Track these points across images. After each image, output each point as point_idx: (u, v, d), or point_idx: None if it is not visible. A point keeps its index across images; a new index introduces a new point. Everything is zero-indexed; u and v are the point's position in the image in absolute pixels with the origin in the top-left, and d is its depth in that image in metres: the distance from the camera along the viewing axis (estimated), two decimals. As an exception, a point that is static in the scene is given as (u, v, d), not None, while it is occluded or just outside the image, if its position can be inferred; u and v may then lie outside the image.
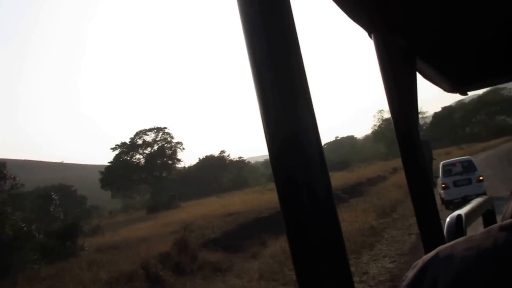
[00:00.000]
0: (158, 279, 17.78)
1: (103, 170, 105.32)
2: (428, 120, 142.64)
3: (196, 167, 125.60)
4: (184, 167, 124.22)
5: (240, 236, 24.93)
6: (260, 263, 18.24)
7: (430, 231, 1.97)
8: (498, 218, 1.13)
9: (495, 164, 43.52)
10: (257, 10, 0.87)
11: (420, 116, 2.24)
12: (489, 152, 71.41)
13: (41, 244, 26.42)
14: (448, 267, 0.97)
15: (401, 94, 1.96)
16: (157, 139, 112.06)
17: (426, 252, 1.89)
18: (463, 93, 3.05)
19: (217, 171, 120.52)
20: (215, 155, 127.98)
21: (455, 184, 24.46)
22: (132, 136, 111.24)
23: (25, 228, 27.20)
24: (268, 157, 0.87)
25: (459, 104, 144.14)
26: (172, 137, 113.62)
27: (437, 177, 25.13)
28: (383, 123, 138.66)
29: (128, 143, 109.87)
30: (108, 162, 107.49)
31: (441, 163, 26.58)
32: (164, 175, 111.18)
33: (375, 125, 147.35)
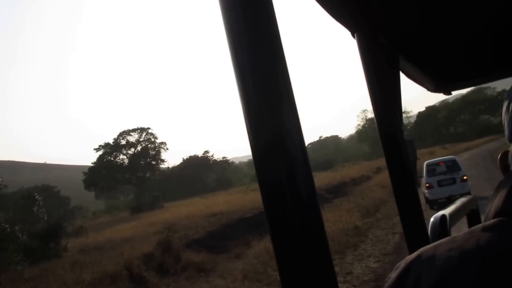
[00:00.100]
0: (142, 280, 17.73)
1: (86, 170, 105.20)
2: (412, 120, 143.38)
3: (180, 167, 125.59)
4: (168, 167, 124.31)
5: (224, 236, 24.93)
6: (244, 263, 18.21)
7: (414, 231, 1.97)
8: (483, 217, 1.13)
9: (479, 163, 43.73)
10: (239, 10, 0.86)
11: (404, 115, 2.24)
12: (473, 151, 71.83)
13: (25, 245, 26.27)
14: (431, 268, 0.97)
15: (384, 94, 1.96)
16: (141, 139, 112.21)
17: (410, 252, 1.90)
18: (447, 92, 3.05)
19: (201, 171, 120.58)
20: (199, 155, 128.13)
21: (439, 183, 24.56)
22: (116, 136, 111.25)
23: (8, 229, 27.01)
24: (252, 157, 0.86)
25: (443, 103, 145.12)
26: (155, 138, 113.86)
27: (421, 176, 25.23)
28: (367, 122, 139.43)
29: (111, 143, 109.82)
30: (92, 163, 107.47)
31: (425, 162, 26.67)
32: (147, 175, 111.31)
33: (359, 124, 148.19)
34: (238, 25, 0.86)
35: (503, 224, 0.99)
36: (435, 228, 2.01)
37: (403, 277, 1.03)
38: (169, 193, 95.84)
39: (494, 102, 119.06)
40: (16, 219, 34.29)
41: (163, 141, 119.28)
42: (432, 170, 25.65)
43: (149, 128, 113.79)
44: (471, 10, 1.92)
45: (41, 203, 47.31)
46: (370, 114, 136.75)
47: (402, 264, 1.06)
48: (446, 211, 2.13)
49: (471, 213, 2.70)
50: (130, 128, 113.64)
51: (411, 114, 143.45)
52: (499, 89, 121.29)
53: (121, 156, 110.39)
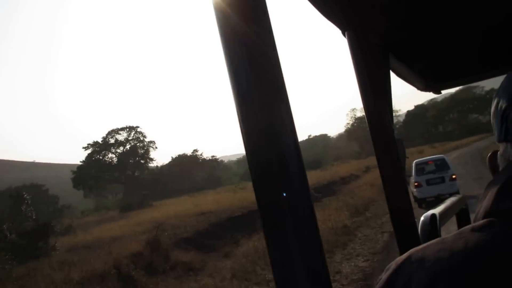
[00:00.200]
0: (130, 279, 17.72)
1: (75, 169, 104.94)
2: (401, 119, 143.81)
3: (168, 166, 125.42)
4: (157, 166, 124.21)
5: (213, 235, 24.97)
6: (232, 262, 18.24)
7: (404, 230, 1.98)
8: (472, 216, 1.13)
9: (468, 162, 43.97)
10: (232, 7, 0.85)
11: (393, 114, 2.24)
12: (462, 150, 72.24)
13: (13, 244, 26.22)
14: (420, 269, 0.98)
15: (375, 93, 1.95)
16: (130, 138, 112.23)
17: (401, 250, 1.90)
18: (437, 91, 3.06)
19: (190, 170, 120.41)
20: (188, 154, 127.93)
21: (428, 182, 24.72)
22: (105, 135, 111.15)
23: (-4, 228, 27.00)
24: (241, 156, 0.86)
25: (432, 102, 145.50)
26: (144, 136, 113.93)
27: (410, 175, 25.32)
28: (356, 121, 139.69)
29: (100, 142, 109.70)
30: (81, 162, 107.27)
31: (414, 161, 26.81)
32: (136, 174, 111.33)
33: (348, 123, 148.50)
34: (231, 23, 0.86)
35: (492, 224, 1.00)
36: (425, 227, 2.02)
37: (393, 279, 1.03)
38: (158, 192, 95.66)
39: (483, 101, 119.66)
40: (4, 218, 34.09)
41: (152, 140, 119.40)
42: (421, 169, 25.81)
43: (138, 127, 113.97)
44: (460, 10, 1.93)
45: (29, 202, 47.06)
46: (359, 113, 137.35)
47: (392, 265, 1.07)
48: (436, 210, 2.14)
49: (461, 212, 2.70)
50: (119, 127, 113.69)
51: (400, 113, 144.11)
52: (487, 88, 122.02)
53: (110, 155, 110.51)
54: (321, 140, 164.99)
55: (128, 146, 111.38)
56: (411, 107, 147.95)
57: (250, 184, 0.90)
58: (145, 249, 20.74)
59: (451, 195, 21.65)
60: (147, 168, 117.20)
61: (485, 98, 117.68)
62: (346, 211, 25.95)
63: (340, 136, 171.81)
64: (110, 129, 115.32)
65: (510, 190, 1.03)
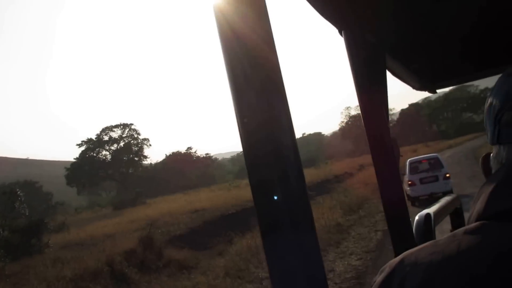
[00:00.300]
0: (123, 277, 17.73)
1: (69, 166, 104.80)
2: (395, 117, 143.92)
3: (162, 164, 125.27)
4: (151, 163, 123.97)
5: (206, 233, 25.00)
6: (226, 260, 18.23)
7: (399, 229, 2.00)
8: (466, 216, 1.13)
9: (462, 161, 44.06)
10: (231, 6, 0.85)
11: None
12: (456, 149, 72.36)
13: (6, 241, 26.13)
14: (413, 272, 0.99)
15: (371, 92, 1.97)
16: (124, 135, 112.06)
17: (395, 249, 1.90)
18: (432, 91, 3.07)
19: (184, 168, 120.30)
20: (182, 152, 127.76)
21: (422, 181, 24.84)
22: (99, 132, 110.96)
23: (-11, 225, 26.91)
24: (235, 154, 0.86)
25: (426, 101, 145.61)
26: (138, 134, 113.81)
27: (404, 174, 25.37)
28: (350, 120, 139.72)
29: (94, 139, 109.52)
30: (74, 159, 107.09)
31: (408, 160, 26.91)
32: (130, 171, 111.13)
33: (342, 122, 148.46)
34: (229, 20, 0.85)
35: (485, 227, 1.00)
36: (419, 227, 2.04)
37: (387, 281, 1.04)
38: (152, 189, 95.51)
39: (477, 100, 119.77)
40: (-3, 214, 34.03)
41: (146, 137, 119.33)
42: (414, 167, 25.93)
43: (132, 124, 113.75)
44: (456, 10, 1.94)
45: (22, 199, 46.90)
46: (354, 111, 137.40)
47: (386, 268, 1.08)
48: (431, 210, 2.15)
49: (455, 212, 2.72)
50: (113, 124, 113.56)
51: (394, 111, 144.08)
52: (482, 86, 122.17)
53: (104, 152, 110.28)
54: (315, 138, 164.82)
55: (122, 144, 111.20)
56: (406, 106, 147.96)
57: (244, 182, 0.91)
58: (138, 247, 20.75)
59: (444, 193, 21.72)
60: (141, 165, 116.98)
61: (480, 97, 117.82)
62: (340, 209, 25.98)
63: (334, 134, 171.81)
64: (104, 126, 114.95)
65: (502, 193, 1.03)
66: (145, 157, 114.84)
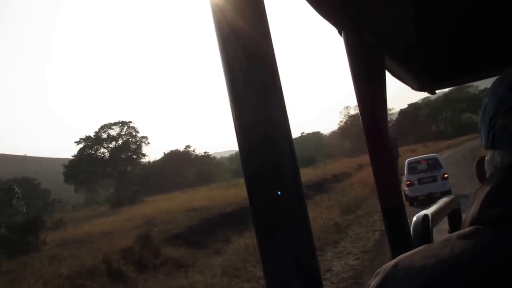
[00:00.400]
0: (120, 274, 17.73)
1: (67, 163, 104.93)
2: (394, 117, 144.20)
3: (161, 162, 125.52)
4: (149, 161, 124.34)
5: (204, 231, 25.01)
6: (223, 259, 18.26)
7: (396, 230, 2.00)
8: (464, 217, 1.13)
9: (460, 162, 44.15)
10: (230, 5, 0.86)
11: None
12: (454, 149, 72.66)
13: (2, 238, 26.15)
14: (407, 276, 1.00)
15: (370, 92, 1.97)
16: (122, 133, 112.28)
17: (393, 251, 1.89)
18: (431, 91, 3.07)
19: (182, 166, 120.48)
20: (180, 150, 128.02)
21: (420, 181, 24.91)
22: (97, 129, 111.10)
23: (-14, 222, 26.93)
24: (233, 152, 0.86)
25: (425, 101, 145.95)
26: (137, 131, 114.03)
27: (402, 174, 25.43)
28: (349, 119, 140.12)
29: (92, 136, 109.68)
30: (72, 156, 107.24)
31: (407, 160, 27.03)
32: (128, 169, 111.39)
33: (341, 121, 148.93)
34: (228, 19, 0.85)
35: (478, 232, 1.00)
36: (417, 228, 2.05)
37: (382, 286, 1.03)
38: (150, 187, 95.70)
39: (476, 101, 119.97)
40: (-6, 211, 34.10)
41: (145, 135, 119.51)
42: (413, 168, 26.01)
43: (130, 122, 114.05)
44: (455, 11, 1.95)
45: (20, 196, 46.96)
46: (353, 111, 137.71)
47: (381, 272, 1.07)
48: (428, 211, 2.16)
49: (453, 213, 2.72)
50: (112, 122, 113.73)
51: (393, 111, 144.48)
52: (481, 87, 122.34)
53: (102, 150, 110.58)
54: (314, 138, 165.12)
55: (120, 141, 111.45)
56: (405, 106, 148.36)
57: (242, 181, 0.91)
58: (135, 245, 20.77)
59: (442, 193, 21.68)
60: (139, 163, 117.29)
61: (479, 98, 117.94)
62: (338, 209, 26.06)
63: (333, 134, 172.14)
64: (102, 123, 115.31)
65: (496, 198, 1.03)
66: (144, 155, 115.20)
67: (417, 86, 2.90)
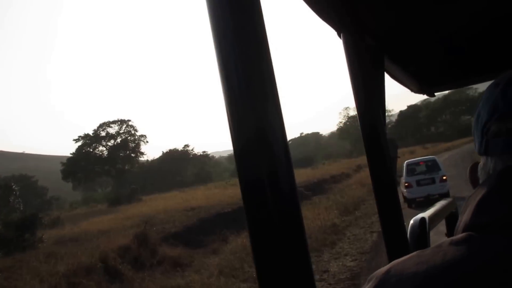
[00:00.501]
0: (117, 273, 17.75)
1: (65, 161, 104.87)
2: (394, 119, 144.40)
3: (159, 161, 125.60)
4: (147, 160, 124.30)
5: (201, 231, 25.01)
6: (220, 259, 18.27)
7: (393, 233, 1.99)
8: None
9: (459, 164, 44.19)
10: (226, 6, 0.85)
11: (386, 114, 2.25)
12: (453, 151, 72.85)
13: (-1, 235, 26.15)
14: (399, 283, 0.99)
15: (368, 94, 1.97)
16: (121, 131, 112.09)
17: (389, 254, 1.88)
18: (430, 94, 3.07)
19: (181, 165, 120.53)
20: (179, 149, 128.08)
21: (418, 183, 24.92)
22: (96, 127, 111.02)
23: (-17, 219, 26.90)
24: (232, 152, 0.86)
25: (425, 102, 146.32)
26: (135, 130, 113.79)
27: (401, 176, 25.44)
28: (349, 120, 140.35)
29: (91, 134, 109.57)
30: (71, 154, 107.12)
31: (405, 162, 27.07)
32: (126, 167, 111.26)
33: (340, 122, 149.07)
34: (224, 21, 0.85)
35: (470, 239, 0.99)
36: (414, 231, 2.04)
37: None
38: (148, 186, 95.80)
39: (476, 103, 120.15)
40: (-8, 208, 34.13)
41: (143, 134, 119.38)
42: (412, 169, 26.04)
43: (129, 120, 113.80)
44: (455, 14, 1.95)
45: (17, 193, 47.03)
46: (352, 112, 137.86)
47: (374, 277, 1.06)
48: (426, 214, 2.15)
49: (450, 216, 2.71)
50: (111, 120, 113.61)
51: (392, 112, 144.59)
52: (480, 90, 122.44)
53: (101, 148, 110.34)
54: (313, 138, 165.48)
55: (119, 140, 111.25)
56: (404, 107, 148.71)
57: None
58: (132, 244, 20.79)
59: (440, 195, 21.66)
60: (138, 162, 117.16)
61: (478, 100, 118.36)
62: (336, 210, 26.07)
63: (332, 135, 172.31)
64: (101, 121, 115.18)
65: (488, 204, 1.03)
66: (142, 153, 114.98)
67: (416, 88, 2.90)
